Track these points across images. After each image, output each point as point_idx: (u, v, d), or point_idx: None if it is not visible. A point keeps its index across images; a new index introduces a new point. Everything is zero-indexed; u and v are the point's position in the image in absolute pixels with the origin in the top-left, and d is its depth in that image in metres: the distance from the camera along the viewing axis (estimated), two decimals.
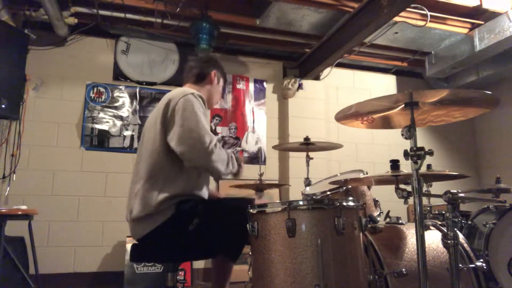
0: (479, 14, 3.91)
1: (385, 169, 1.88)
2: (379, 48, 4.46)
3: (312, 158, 2.83)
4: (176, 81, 4.15)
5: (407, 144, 1.52)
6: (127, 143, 3.96)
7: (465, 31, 4.03)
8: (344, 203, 1.52)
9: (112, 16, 3.75)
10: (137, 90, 4.08)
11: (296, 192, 3.99)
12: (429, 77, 4.77)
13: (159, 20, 3.83)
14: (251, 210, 1.60)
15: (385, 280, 1.76)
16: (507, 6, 3.74)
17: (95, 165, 3.82)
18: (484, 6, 3.80)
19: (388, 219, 2.28)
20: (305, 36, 4.22)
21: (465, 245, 1.99)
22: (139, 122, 4.01)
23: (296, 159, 4.23)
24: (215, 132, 4.25)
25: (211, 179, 2.02)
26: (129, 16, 3.75)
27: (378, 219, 2.10)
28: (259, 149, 4.38)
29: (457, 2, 3.78)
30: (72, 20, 3.68)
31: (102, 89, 3.97)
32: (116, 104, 3.99)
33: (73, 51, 3.94)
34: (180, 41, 4.20)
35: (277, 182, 4.31)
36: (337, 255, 1.47)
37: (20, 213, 2.94)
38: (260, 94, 4.53)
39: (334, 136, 4.65)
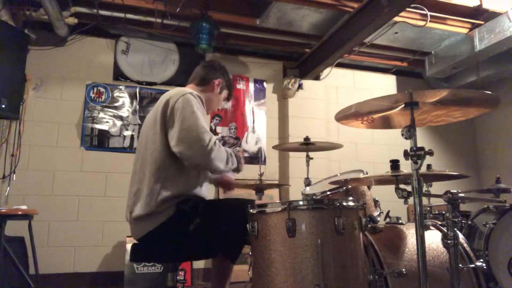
0: (479, 14, 3.91)
1: (385, 169, 1.88)
2: (379, 48, 4.47)
3: (312, 158, 2.83)
4: (176, 81, 4.15)
5: (407, 144, 1.52)
6: (127, 143, 3.96)
7: (465, 31, 4.03)
8: (344, 203, 1.52)
9: (112, 16, 3.75)
10: (137, 90, 4.08)
11: (296, 192, 3.99)
12: (429, 77, 4.78)
13: (159, 20, 3.83)
14: (251, 210, 1.60)
15: (385, 280, 1.76)
16: (507, 6, 3.74)
17: (95, 165, 3.82)
18: (484, 6, 3.80)
19: (388, 219, 2.29)
20: (305, 36, 4.22)
21: (465, 245, 1.99)
22: (139, 122, 4.01)
23: (296, 159, 4.23)
24: (215, 132, 4.25)
25: None
26: (129, 16, 3.74)
27: (378, 219, 2.10)
28: (259, 149, 4.38)
29: (457, 2, 3.78)
30: (72, 20, 3.68)
31: (102, 89, 3.97)
32: (116, 104, 3.99)
33: (73, 51, 3.94)
34: (180, 41, 4.19)
35: (277, 182, 4.31)
36: (337, 255, 1.47)
37: (20, 213, 2.94)
38: (260, 94, 4.53)
39: (334, 136, 4.65)
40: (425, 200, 2.90)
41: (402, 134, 1.51)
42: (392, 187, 1.74)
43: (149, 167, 1.79)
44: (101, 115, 3.92)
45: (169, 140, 1.77)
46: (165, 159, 1.78)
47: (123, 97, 4.03)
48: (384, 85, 5.05)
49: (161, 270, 3.43)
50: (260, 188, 2.53)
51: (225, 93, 2.17)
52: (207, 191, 2.00)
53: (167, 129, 1.79)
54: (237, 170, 1.97)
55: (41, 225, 3.47)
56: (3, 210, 2.86)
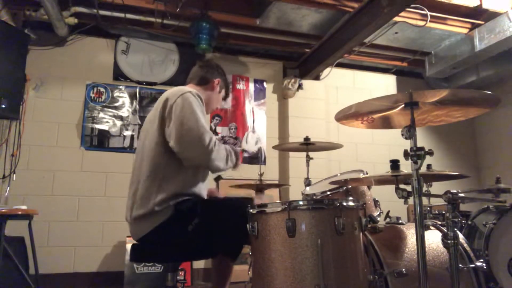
0: (479, 14, 3.91)
1: (385, 169, 1.88)
2: (379, 48, 4.46)
3: (312, 158, 2.83)
4: (176, 81, 4.15)
5: (407, 144, 1.52)
6: (127, 143, 3.96)
7: (465, 31, 4.03)
8: (344, 203, 1.52)
9: (112, 16, 3.75)
10: (137, 90, 4.08)
11: (296, 192, 3.99)
12: (429, 77, 4.78)
13: (159, 20, 3.83)
14: (251, 210, 1.60)
15: (385, 280, 1.76)
16: (507, 6, 3.74)
17: (95, 165, 3.82)
18: (484, 6, 3.80)
19: (388, 219, 2.28)
20: (305, 36, 4.22)
21: (465, 245, 1.99)
22: (139, 122, 4.01)
23: (296, 159, 4.23)
24: (215, 132, 4.25)
25: (210, 177, 2.02)
26: (129, 16, 3.74)
27: (378, 219, 2.10)
28: (259, 149, 4.38)
29: (457, 2, 3.78)
30: (72, 20, 3.68)
31: (102, 89, 3.97)
32: (116, 104, 3.99)
33: (73, 51, 3.94)
34: (180, 41, 4.19)
35: (277, 182, 4.30)
36: (337, 255, 1.47)
37: (20, 213, 2.94)
38: (260, 94, 4.53)
39: (334, 136, 4.65)
40: (425, 200, 2.90)
41: (402, 134, 1.51)
42: (392, 187, 1.73)
43: (147, 166, 1.79)
44: (101, 115, 3.92)
45: (167, 138, 1.77)
46: (163, 158, 1.78)
47: (123, 97, 4.03)
48: (384, 85, 5.05)
49: (161, 270, 3.43)
50: (260, 188, 2.54)
51: (223, 92, 2.19)
52: (206, 189, 2.00)
53: (164, 128, 1.79)
54: (235, 166, 1.98)
55: (41, 225, 3.47)
56: (3, 210, 2.87)
